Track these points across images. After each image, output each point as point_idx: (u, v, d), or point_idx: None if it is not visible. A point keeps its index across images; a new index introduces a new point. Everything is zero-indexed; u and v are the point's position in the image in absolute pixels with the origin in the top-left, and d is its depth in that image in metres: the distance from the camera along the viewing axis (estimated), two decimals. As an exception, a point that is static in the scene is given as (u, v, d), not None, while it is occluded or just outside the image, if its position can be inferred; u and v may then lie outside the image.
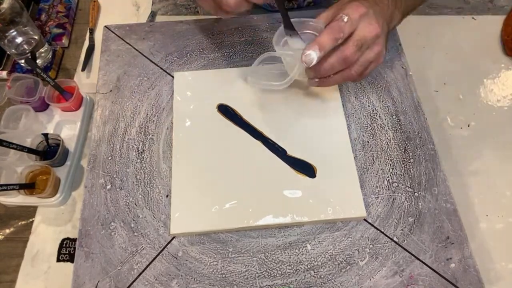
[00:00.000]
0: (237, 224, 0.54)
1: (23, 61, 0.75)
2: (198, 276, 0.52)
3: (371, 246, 0.54)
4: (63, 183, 0.62)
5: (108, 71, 0.68)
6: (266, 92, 0.63)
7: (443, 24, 0.80)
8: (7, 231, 0.63)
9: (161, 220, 0.56)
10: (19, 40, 0.74)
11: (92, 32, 0.80)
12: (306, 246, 0.54)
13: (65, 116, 0.68)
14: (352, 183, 0.56)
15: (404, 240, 0.54)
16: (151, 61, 0.68)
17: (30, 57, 0.68)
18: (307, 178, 0.56)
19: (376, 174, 0.58)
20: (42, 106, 0.68)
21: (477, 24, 0.79)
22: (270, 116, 0.61)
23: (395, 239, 0.54)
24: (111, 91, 0.66)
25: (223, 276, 0.52)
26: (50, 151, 0.64)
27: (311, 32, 0.52)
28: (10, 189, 0.57)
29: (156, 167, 0.60)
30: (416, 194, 0.57)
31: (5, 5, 0.68)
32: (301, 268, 0.53)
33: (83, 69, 0.76)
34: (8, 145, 0.58)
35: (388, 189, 0.57)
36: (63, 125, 0.68)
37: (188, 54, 0.69)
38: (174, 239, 0.55)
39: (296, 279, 0.52)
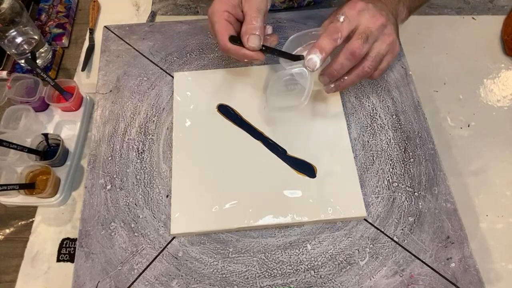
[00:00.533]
0: (237, 224, 0.54)
1: (23, 61, 0.75)
2: (198, 276, 0.52)
3: (371, 245, 0.54)
4: (63, 183, 0.62)
5: (108, 71, 0.68)
6: (265, 92, 0.63)
7: (443, 24, 0.80)
8: (7, 231, 0.63)
9: (161, 220, 0.56)
10: (19, 40, 0.74)
11: (92, 32, 0.80)
12: (306, 246, 0.54)
13: (65, 116, 0.68)
14: (352, 183, 0.56)
15: (404, 240, 0.54)
16: (151, 61, 0.68)
17: (30, 57, 0.68)
18: (307, 178, 0.56)
19: (376, 174, 0.58)
20: (42, 106, 0.68)
21: (477, 24, 0.79)
22: (270, 116, 0.61)
23: (395, 238, 0.54)
24: (111, 91, 0.66)
25: (224, 276, 0.52)
26: (50, 151, 0.64)
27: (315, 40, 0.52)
28: (10, 189, 0.57)
29: (156, 167, 0.59)
30: (416, 193, 0.57)
31: (5, 5, 0.68)
32: (301, 268, 0.53)
33: (83, 69, 0.76)
34: (8, 145, 0.58)
35: (388, 189, 0.57)
36: (63, 125, 0.68)
37: (188, 54, 0.69)
38: (174, 239, 0.55)
39: (296, 279, 0.52)
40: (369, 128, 0.62)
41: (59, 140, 0.62)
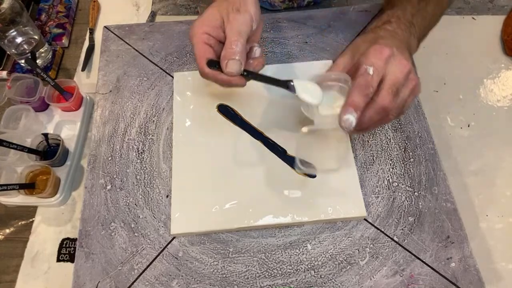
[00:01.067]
0: (238, 224, 0.54)
1: (23, 61, 0.75)
2: (198, 276, 0.52)
3: (371, 245, 0.54)
4: (63, 183, 0.62)
5: (108, 72, 0.68)
6: (266, 92, 0.63)
7: (443, 24, 0.79)
8: (7, 231, 0.63)
9: (161, 220, 0.56)
10: (19, 40, 0.73)
11: (92, 32, 0.80)
12: (306, 246, 0.54)
13: (65, 116, 0.68)
14: (352, 183, 0.56)
15: (405, 240, 0.54)
16: (150, 61, 0.68)
17: (30, 57, 0.68)
18: (307, 178, 0.56)
19: (376, 174, 0.58)
20: (42, 106, 0.68)
21: (477, 24, 0.79)
22: (270, 116, 0.61)
23: (395, 238, 0.54)
24: (111, 91, 0.66)
25: (224, 276, 0.52)
26: (50, 151, 0.64)
27: (334, 83, 0.48)
28: (10, 189, 0.57)
29: (156, 168, 0.59)
30: (416, 193, 0.57)
31: (5, 5, 0.68)
32: (302, 268, 0.53)
33: (83, 69, 0.76)
34: (8, 145, 0.58)
35: (388, 189, 0.57)
36: (63, 125, 0.68)
37: (188, 54, 0.69)
38: (175, 239, 0.55)
39: (296, 279, 0.52)
40: (369, 128, 0.62)
41: (59, 140, 0.62)
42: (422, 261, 0.53)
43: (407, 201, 0.56)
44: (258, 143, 0.59)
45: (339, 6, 0.76)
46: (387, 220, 0.55)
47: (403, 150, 0.60)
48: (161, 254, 0.54)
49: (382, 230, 0.55)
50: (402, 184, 0.57)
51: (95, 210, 0.57)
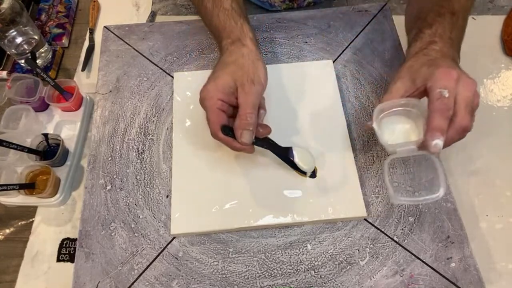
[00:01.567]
0: (238, 224, 0.54)
1: (23, 61, 0.75)
2: (198, 276, 0.52)
3: (371, 245, 0.54)
4: (63, 183, 0.62)
5: (108, 72, 0.68)
6: (265, 92, 0.63)
7: (443, 24, 0.79)
8: (7, 231, 0.63)
9: (161, 221, 0.56)
10: (19, 40, 0.73)
11: (92, 32, 0.80)
12: (306, 246, 0.54)
13: (65, 116, 0.68)
14: (352, 183, 0.56)
15: (405, 240, 0.54)
16: (150, 61, 0.68)
17: (30, 57, 0.68)
18: (307, 178, 0.56)
19: (376, 174, 0.58)
20: (42, 106, 0.68)
21: (477, 24, 0.79)
22: (270, 116, 0.61)
23: (395, 238, 0.54)
24: (110, 91, 0.66)
25: (224, 276, 0.52)
26: (50, 151, 0.64)
27: (401, 108, 0.49)
28: (10, 189, 0.57)
29: (156, 168, 0.59)
30: (416, 193, 0.57)
31: (5, 5, 0.68)
32: (302, 268, 0.53)
33: (83, 69, 0.76)
34: (8, 145, 0.58)
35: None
36: (63, 125, 0.68)
37: (188, 54, 0.69)
38: (175, 239, 0.55)
39: (296, 279, 0.52)
40: (369, 128, 0.62)
41: (59, 140, 0.62)
42: (422, 261, 0.53)
43: (407, 201, 0.56)
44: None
45: (339, 6, 0.76)
46: (387, 220, 0.55)
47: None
48: (161, 254, 0.54)
49: (382, 230, 0.55)
50: (402, 184, 0.57)
51: (95, 210, 0.57)
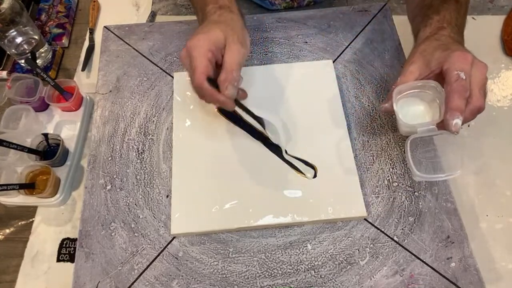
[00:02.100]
0: (238, 224, 0.54)
1: (23, 61, 0.75)
2: (198, 276, 0.52)
3: (371, 245, 0.54)
4: (63, 183, 0.62)
5: (108, 72, 0.68)
6: (265, 92, 0.63)
7: (443, 24, 0.79)
8: (7, 231, 0.63)
9: (161, 221, 0.56)
10: (19, 40, 0.73)
11: (92, 32, 0.80)
12: (306, 246, 0.54)
13: (65, 116, 0.68)
14: (352, 183, 0.56)
15: (405, 240, 0.54)
16: (150, 61, 0.68)
17: (30, 57, 0.68)
18: (307, 178, 0.56)
19: (376, 174, 0.58)
20: (42, 106, 0.68)
21: (477, 24, 0.79)
22: (270, 116, 0.61)
23: (395, 238, 0.54)
24: (110, 91, 0.66)
25: (224, 276, 0.52)
26: (50, 151, 0.64)
27: (417, 90, 0.51)
28: (10, 189, 0.57)
29: (156, 168, 0.59)
30: (416, 193, 0.57)
31: (5, 5, 0.68)
32: (302, 268, 0.53)
33: (83, 69, 0.76)
34: (8, 145, 0.58)
35: (388, 189, 0.57)
36: (63, 125, 0.68)
37: (188, 54, 0.69)
38: (175, 239, 0.55)
39: (296, 279, 0.52)
40: (369, 128, 0.62)
41: (59, 140, 0.62)
42: (422, 261, 0.53)
43: (407, 201, 0.56)
44: (258, 143, 0.59)
45: (339, 6, 0.76)
46: (387, 220, 0.55)
47: (403, 150, 0.60)
48: (161, 254, 0.54)
49: (382, 230, 0.55)
50: (402, 184, 0.57)
51: (95, 210, 0.57)
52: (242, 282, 0.52)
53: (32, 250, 0.60)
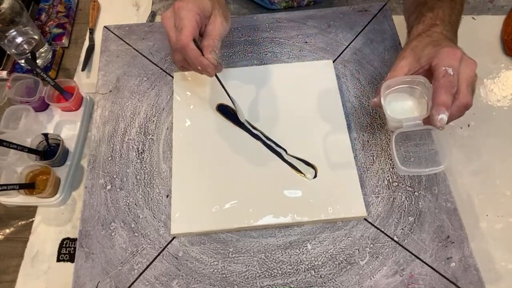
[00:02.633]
0: (238, 224, 0.54)
1: (23, 61, 0.75)
2: (198, 276, 0.52)
3: (371, 245, 0.54)
4: (63, 183, 0.62)
5: (108, 72, 0.68)
6: (265, 92, 0.63)
7: (443, 24, 0.79)
8: (7, 231, 0.63)
9: (161, 220, 0.56)
10: (19, 40, 0.73)
11: (92, 32, 0.80)
12: (306, 246, 0.54)
13: (65, 116, 0.68)
14: (352, 183, 0.56)
15: (405, 240, 0.54)
16: (150, 61, 0.68)
17: (30, 57, 0.68)
18: (307, 178, 0.56)
19: (376, 174, 0.58)
20: (42, 106, 0.68)
21: (477, 24, 0.79)
22: (270, 116, 0.61)
23: (395, 238, 0.54)
24: (110, 91, 0.66)
25: (224, 276, 0.52)
26: (50, 151, 0.64)
27: (405, 85, 0.51)
28: (10, 189, 0.57)
29: (156, 167, 0.59)
30: (416, 193, 0.57)
31: (5, 5, 0.68)
32: (302, 268, 0.53)
33: (83, 69, 0.76)
34: (8, 145, 0.58)
35: (388, 189, 0.57)
36: (63, 125, 0.68)
37: (188, 54, 0.69)
38: (175, 239, 0.55)
39: (296, 279, 0.52)
40: (369, 127, 0.62)
41: (59, 140, 0.62)
42: (422, 261, 0.53)
43: (407, 201, 0.56)
44: (258, 143, 0.59)
45: (339, 6, 0.76)
46: (387, 220, 0.55)
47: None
48: (161, 254, 0.54)
49: (382, 230, 0.55)
50: (402, 184, 0.57)
51: (95, 210, 0.57)
52: (242, 282, 0.52)
53: (32, 250, 0.60)
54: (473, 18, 0.79)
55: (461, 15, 0.57)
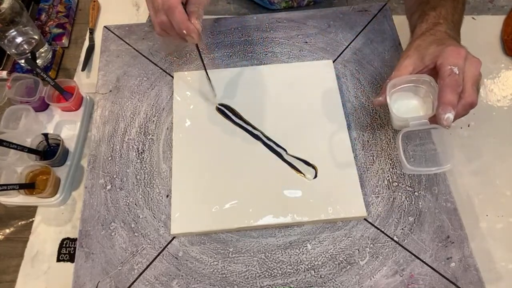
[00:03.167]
0: (238, 224, 0.54)
1: (23, 61, 0.75)
2: (198, 276, 0.52)
3: (371, 245, 0.54)
4: (63, 183, 0.62)
5: (108, 72, 0.68)
6: (265, 92, 0.63)
7: (443, 24, 0.79)
8: (7, 231, 0.63)
9: (161, 220, 0.56)
10: (19, 40, 0.73)
11: (92, 32, 0.80)
12: (306, 246, 0.54)
13: (65, 116, 0.68)
14: (352, 183, 0.56)
15: (405, 240, 0.54)
16: (150, 61, 0.68)
17: (30, 57, 0.68)
18: (307, 178, 0.56)
19: (376, 174, 0.58)
20: (42, 106, 0.68)
21: (477, 24, 0.79)
22: (270, 116, 0.61)
23: (395, 238, 0.54)
24: (110, 91, 0.66)
25: (224, 276, 0.52)
26: (50, 151, 0.64)
27: (410, 84, 0.51)
28: (10, 189, 0.57)
29: (156, 167, 0.59)
30: (416, 193, 0.57)
31: (5, 5, 0.68)
32: (302, 268, 0.53)
33: (83, 69, 0.76)
34: (8, 145, 0.58)
35: (388, 189, 0.57)
36: (63, 125, 0.68)
37: (188, 54, 0.69)
38: (175, 239, 0.55)
39: (296, 279, 0.52)
40: (369, 127, 0.62)
41: (59, 140, 0.62)
42: (422, 261, 0.53)
43: (407, 201, 0.56)
44: (258, 143, 0.59)
45: (339, 6, 0.76)
46: (387, 220, 0.55)
47: (403, 150, 0.60)
48: (161, 254, 0.54)
49: (382, 230, 0.55)
50: (402, 184, 0.57)
51: (95, 210, 0.57)
52: (242, 282, 0.52)
53: (32, 250, 0.60)
54: (473, 18, 0.79)
55: (463, 14, 0.57)
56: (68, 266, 0.58)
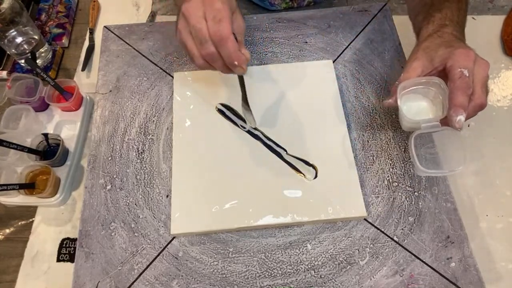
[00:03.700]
0: (238, 224, 0.54)
1: (23, 61, 0.75)
2: (198, 276, 0.52)
3: (371, 245, 0.54)
4: (63, 183, 0.62)
5: (108, 72, 0.68)
6: (265, 92, 0.63)
7: (443, 24, 0.79)
8: (7, 231, 0.63)
9: (161, 220, 0.56)
10: (19, 40, 0.73)
11: (92, 32, 0.80)
12: (306, 246, 0.54)
13: (65, 116, 0.68)
14: (352, 183, 0.56)
15: (405, 240, 0.54)
16: (150, 61, 0.68)
17: (30, 57, 0.68)
18: (307, 178, 0.56)
19: (376, 174, 0.58)
20: (42, 106, 0.68)
21: (477, 24, 0.79)
22: (270, 116, 0.61)
23: (395, 238, 0.54)
24: (110, 91, 0.66)
25: (224, 276, 0.52)
26: (50, 151, 0.64)
27: (420, 86, 0.51)
28: (10, 189, 0.57)
29: (156, 167, 0.59)
30: (416, 193, 0.57)
31: (5, 5, 0.68)
32: (302, 268, 0.53)
33: (83, 69, 0.76)
34: (8, 145, 0.58)
35: (388, 189, 0.57)
36: (63, 125, 0.68)
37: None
38: (175, 239, 0.55)
39: (296, 279, 0.52)
40: (369, 127, 0.62)
41: (59, 140, 0.62)
42: (422, 261, 0.53)
43: (407, 201, 0.56)
44: (258, 143, 0.59)
45: (339, 6, 0.76)
46: (387, 220, 0.55)
47: (403, 150, 0.60)
48: (161, 254, 0.54)
49: (382, 230, 0.55)
50: (402, 184, 0.57)
51: (95, 210, 0.57)
52: (242, 282, 0.52)
53: (32, 250, 0.60)
54: (473, 18, 0.79)
55: (467, 15, 0.57)
56: (68, 266, 0.58)
